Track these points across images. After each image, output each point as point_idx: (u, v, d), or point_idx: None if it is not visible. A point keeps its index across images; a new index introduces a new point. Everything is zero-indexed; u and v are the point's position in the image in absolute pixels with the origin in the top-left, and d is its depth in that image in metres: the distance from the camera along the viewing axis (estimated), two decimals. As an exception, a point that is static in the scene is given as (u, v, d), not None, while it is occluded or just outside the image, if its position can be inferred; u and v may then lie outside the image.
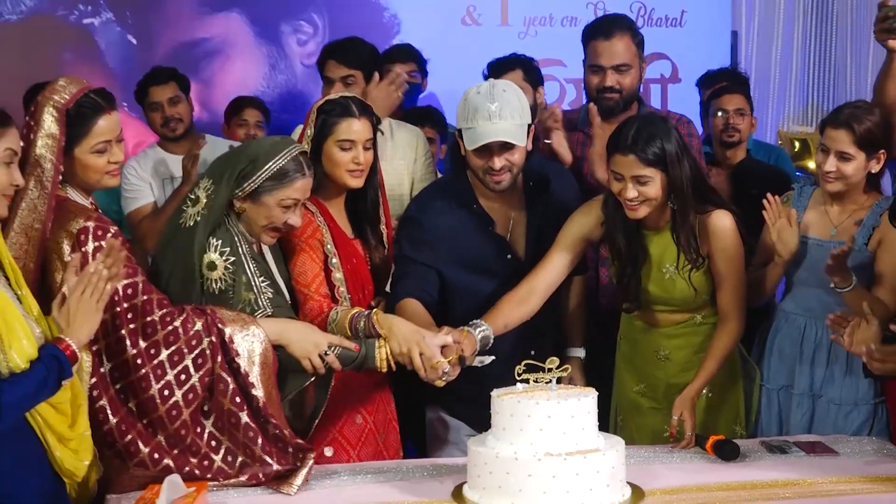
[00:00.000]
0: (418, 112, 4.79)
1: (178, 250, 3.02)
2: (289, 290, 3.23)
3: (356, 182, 3.32)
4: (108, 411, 2.77)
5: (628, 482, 2.76)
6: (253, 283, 3.03)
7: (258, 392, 2.85)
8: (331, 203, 3.36)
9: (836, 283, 3.28)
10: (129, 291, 2.79)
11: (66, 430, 2.62)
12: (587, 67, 3.98)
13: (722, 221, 3.30)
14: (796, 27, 5.92)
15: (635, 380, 3.57)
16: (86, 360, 2.71)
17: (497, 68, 4.43)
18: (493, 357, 3.14)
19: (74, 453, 2.65)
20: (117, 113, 2.93)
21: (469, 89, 3.39)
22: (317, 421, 3.19)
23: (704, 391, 3.37)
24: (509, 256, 3.50)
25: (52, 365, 2.49)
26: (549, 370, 2.75)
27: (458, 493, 2.77)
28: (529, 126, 3.39)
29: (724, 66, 5.53)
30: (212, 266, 2.99)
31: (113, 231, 2.80)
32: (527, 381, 2.76)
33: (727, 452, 3.07)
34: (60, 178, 2.80)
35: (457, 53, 5.49)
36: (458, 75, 5.35)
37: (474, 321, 3.25)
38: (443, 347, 3.07)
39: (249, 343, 2.87)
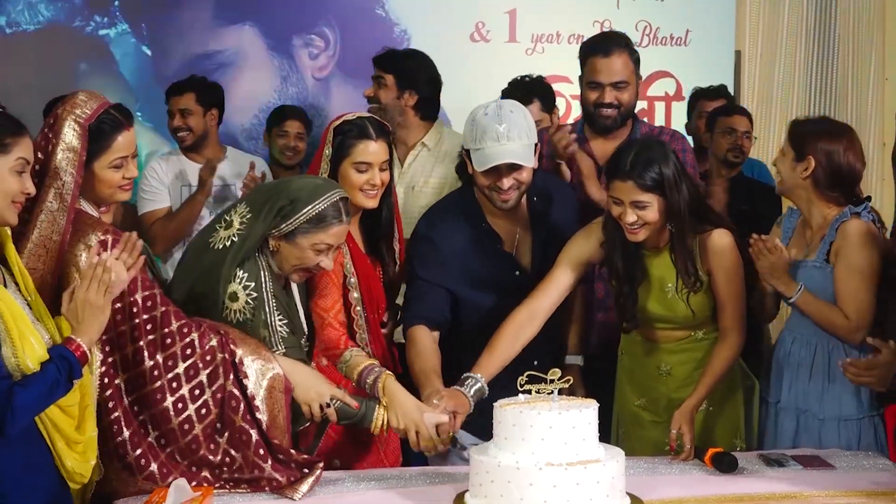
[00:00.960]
0: None
1: (205, 268, 3.03)
2: (307, 316, 3.24)
3: (370, 203, 3.33)
4: (122, 423, 2.80)
5: (628, 493, 2.77)
6: (269, 322, 3.02)
7: (262, 416, 2.87)
8: (350, 222, 3.37)
9: (782, 294, 3.34)
10: (149, 303, 2.82)
11: (73, 432, 2.65)
12: (585, 84, 3.99)
13: (722, 240, 3.33)
14: (798, 48, 5.93)
15: (637, 394, 3.58)
16: (97, 356, 2.73)
17: (515, 94, 4.43)
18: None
19: (81, 455, 2.67)
20: (133, 130, 2.98)
21: (476, 110, 3.41)
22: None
23: (704, 404, 3.38)
24: (517, 273, 3.51)
25: (62, 366, 2.51)
26: (552, 381, 2.77)
27: (459, 500, 2.79)
28: (536, 145, 3.42)
29: (727, 85, 5.57)
30: (234, 297, 2.99)
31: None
32: (529, 391, 2.78)
33: (725, 465, 3.08)
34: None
35: (465, 69, 5.52)
36: (467, 91, 5.41)
37: (467, 375, 3.24)
38: (438, 425, 3.08)
39: (260, 366, 2.89)
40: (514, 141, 3.31)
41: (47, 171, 2.79)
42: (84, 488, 2.76)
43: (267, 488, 2.87)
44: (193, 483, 2.80)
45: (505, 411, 2.73)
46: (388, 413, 3.06)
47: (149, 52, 5.53)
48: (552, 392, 2.76)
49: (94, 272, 2.61)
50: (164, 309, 2.84)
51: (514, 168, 3.34)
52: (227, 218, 3.06)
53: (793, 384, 3.50)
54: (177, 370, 2.82)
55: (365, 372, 3.13)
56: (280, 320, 3.04)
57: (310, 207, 3.02)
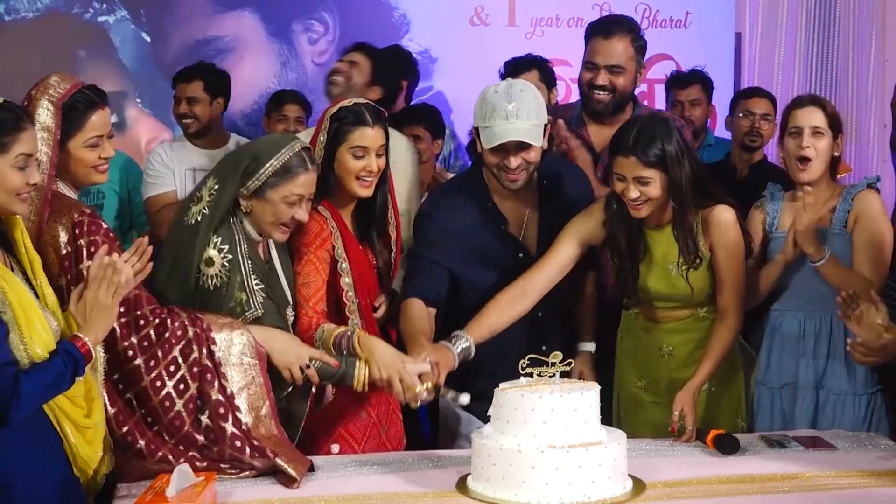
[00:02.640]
0: (414, 110, 4.82)
1: (180, 246, 3.05)
2: (292, 294, 3.24)
3: (365, 192, 3.33)
4: (106, 401, 2.82)
5: (630, 475, 2.78)
6: (246, 284, 3.04)
7: (229, 384, 2.89)
8: (343, 209, 3.37)
9: (810, 257, 3.35)
10: None
11: (82, 419, 2.66)
12: (583, 63, 3.97)
13: (723, 216, 3.32)
14: (799, 30, 5.93)
15: (637, 375, 3.58)
16: (101, 354, 2.75)
17: (513, 68, 4.49)
18: (468, 396, 3.12)
19: (90, 444, 2.69)
20: (108, 110, 2.97)
21: (487, 88, 3.40)
22: (300, 430, 3.17)
23: (705, 386, 3.38)
24: (521, 255, 3.50)
25: (69, 361, 2.53)
26: (553, 364, 2.78)
27: (462, 484, 2.79)
28: (545, 125, 3.41)
29: (727, 67, 5.57)
30: (209, 262, 3.01)
31: (105, 228, 2.85)
32: (531, 374, 2.79)
33: (727, 446, 3.08)
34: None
35: (465, 53, 5.54)
36: (466, 75, 5.46)
37: (456, 333, 3.26)
38: (421, 374, 3.07)
39: (227, 335, 2.91)
40: (522, 120, 3.30)
41: None
42: (94, 482, 2.77)
43: (248, 473, 2.89)
44: (181, 460, 2.81)
45: (506, 394, 2.74)
46: (368, 366, 3.06)
47: (148, 39, 5.53)
48: (553, 375, 2.77)
49: (104, 273, 2.62)
50: (135, 293, 2.85)
51: (522, 147, 3.33)
52: (198, 193, 3.09)
53: (788, 360, 3.52)
54: (153, 349, 2.85)
55: (338, 339, 3.13)
56: (257, 284, 3.06)
57: (273, 160, 3.05)
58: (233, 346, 2.92)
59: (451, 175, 4.60)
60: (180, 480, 2.62)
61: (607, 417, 3.12)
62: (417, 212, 3.62)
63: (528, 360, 2.79)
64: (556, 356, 2.79)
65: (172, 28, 5.51)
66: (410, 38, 5.58)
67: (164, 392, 2.85)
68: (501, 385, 2.80)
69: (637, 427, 3.48)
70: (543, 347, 3.08)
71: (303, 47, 5.63)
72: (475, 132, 3.43)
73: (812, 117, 3.42)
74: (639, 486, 2.78)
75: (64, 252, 2.78)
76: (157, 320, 2.87)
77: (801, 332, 3.51)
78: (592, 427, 2.72)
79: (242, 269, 3.04)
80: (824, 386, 3.48)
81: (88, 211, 2.87)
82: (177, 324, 2.88)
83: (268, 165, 3.05)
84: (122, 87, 5.44)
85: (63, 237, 2.78)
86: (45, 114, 2.82)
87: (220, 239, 3.02)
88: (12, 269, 2.59)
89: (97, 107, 2.92)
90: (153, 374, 2.85)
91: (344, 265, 3.31)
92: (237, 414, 2.89)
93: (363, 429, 3.37)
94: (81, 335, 2.58)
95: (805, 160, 3.41)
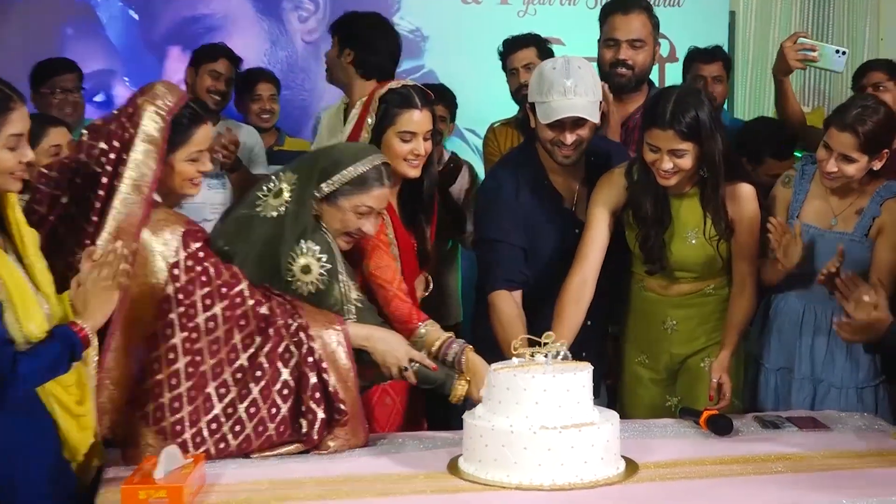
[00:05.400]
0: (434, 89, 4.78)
1: (264, 239, 2.98)
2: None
3: (413, 172, 3.32)
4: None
5: (623, 456, 2.78)
6: (343, 290, 3.02)
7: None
8: (391, 193, 3.31)
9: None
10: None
11: (74, 405, 2.64)
12: (602, 43, 4.00)
13: (748, 191, 3.38)
14: (794, 8, 5.91)
15: (638, 350, 3.60)
16: (93, 344, 2.70)
17: (512, 46, 4.49)
18: None
19: (82, 431, 2.67)
20: (210, 124, 2.98)
21: (544, 63, 3.45)
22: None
23: (704, 364, 3.44)
24: (577, 231, 3.49)
25: (66, 345, 2.52)
26: (545, 345, 2.78)
27: (453, 465, 2.78)
28: (600, 103, 3.43)
29: (722, 46, 5.51)
30: (307, 270, 2.98)
31: (206, 237, 2.88)
32: (522, 355, 2.78)
33: (721, 427, 3.09)
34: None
35: (456, 31, 5.48)
36: (458, 53, 5.43)
37: (548, 341, 2.92)
38: None
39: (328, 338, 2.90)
40: (580, 96, 3.33)
41: (124, 162, 2.75)
42: (86, 472, 2.75)
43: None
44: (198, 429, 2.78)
45: (499, 375, 2.72)
46: (470, 387, 3.04)
47: (136, 16, 5.46)
48: (546, 355, 2.76)
49: (107, 259, 2.60)
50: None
51: (578, 124, 3.36)
52: (272, 186, 3.05)
53: (786, 345, 3.52)
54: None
55: (444, 346, 3.13)
56: (353, 286, 3.05)
57: (352, 168, 3.03)
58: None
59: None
60: (168, 462, 2.59)
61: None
62: (476, 193, 3.58)
63: (521, 341, 2.79)
64: (549, 336, 2.78)
65: (160, 5, 5.44)
66: (402, 17, 5.53)
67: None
68: (493, 365, 2.79)
69: (634, 406, 3.53)
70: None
71: (293, 25, 5.58)
72: (529, 107, 3.44)
73: (843, 142, 3.27)
74: (632, 466, 2.78)
75: (173, 261, 2.78)
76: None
77: (800, 320, 3.50)
78: (585, 408, 2.71)
79: (340, 276, 3.01)
80: (823, 379, 3.46)
81: (186, 218, 2.88)
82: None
83: (347, 171, 3.03)
84: (109, 65, 5.38)
85: (159, 250, 2.77)
86: (151, 125, 2.78)
87: (317, 247, 2.98)
88: (5, 250, 2.56)
89: (202, 122, 2.93)
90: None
91: (395, 250, 3.32)
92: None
93: (387, 414, 3.37)
94: (79, 321, 2.56)
95: (831, 174, 3.34)
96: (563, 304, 3.36)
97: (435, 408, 3.50)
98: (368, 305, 3.12)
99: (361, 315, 3.05)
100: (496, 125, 4.50)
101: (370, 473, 2.76)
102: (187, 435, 2.77)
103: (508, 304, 3.39)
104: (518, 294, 3.44)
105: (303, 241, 2.98)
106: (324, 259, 2.99)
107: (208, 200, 4.22)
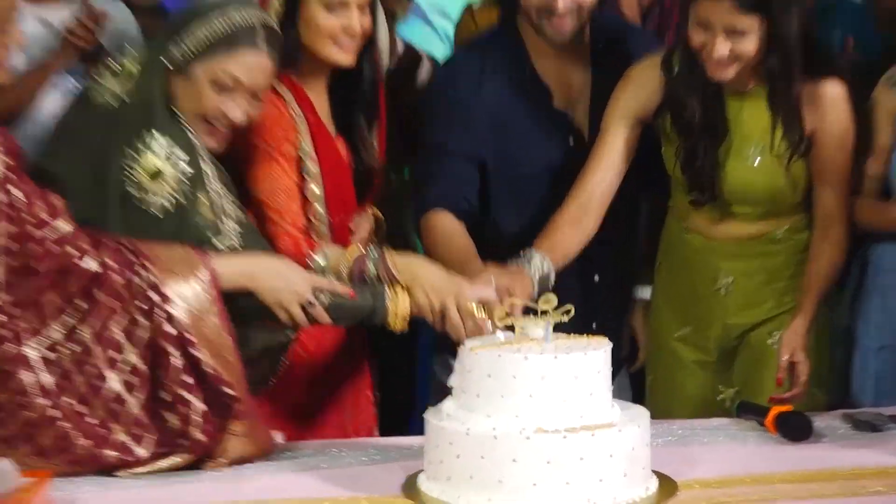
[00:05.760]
0: None
1: (88, 142, 2.45)
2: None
3: (345, 58, 2.78)
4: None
5: (655, 471, 2.24)
6: (217, 206, 2.52)
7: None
8: (309, 86, 2.80)
9: None
10: None
11: None
12: None
13: (836, 91, 2.89)
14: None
15: (678, 322, 3.13)
16: None
17: None
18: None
19: None
20: None
21: None
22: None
23: (772, 339, 2.96)
24: (571, 141, 3.05)
25: None
26: (544, 312, 2.21)
27: (411, 485, 2.23)
28: None
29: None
30: (156, 175, 2.43)
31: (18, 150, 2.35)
32: (511, 328, 2.24)
33: (794, 429, 2.58)
34: None
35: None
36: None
37: (527, 251, 2.81)
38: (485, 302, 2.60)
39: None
40: None
41: None
42: None
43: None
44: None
45: (476, 356, 2.17)
46: (411, 295, 2.57)
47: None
48: (545, 326, 2.21)
49: None
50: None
51: None
52: (113, 62, 2.54)
53: (892, 315, 3.06)
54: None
55: (359, 264, 2.65)
56: (232, 200, 2.56)
57: (215, 20, 2.51)
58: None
59: None
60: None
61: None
62: (427, 88, 3.26)
63: (509, 306, 2.29)
64: (548, 300, 2.21)
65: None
66: None
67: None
68: (469, 343, 2.24)
69: (672, 400, 3.10)
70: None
71: None
72: None
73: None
74: (668, 485, 2.24)
75: None
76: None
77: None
78: (601, 402, 2.17)
79: (210, 186, 2.52)
80: None
81: None
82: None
83: (202, 24, 2.50)
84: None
85: None
86: None
87: (167, 139, 2.43)
88: None
89: None
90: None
91: (312, 168, 2.77)
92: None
93: (318, 411, 2.87)
94: None
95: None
96: (556, 224, 2.87)
97: (386, 400, 3.07)
98: (254, 227, 2.61)
99: (246, 240, 2.53)
100: (475, 4, 4.04)
101: (290, 499, 2.22)
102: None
103: (448, 220, 2.88)
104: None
105: (149, 135, 2.40)
106: (182, 158, 2.42)
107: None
